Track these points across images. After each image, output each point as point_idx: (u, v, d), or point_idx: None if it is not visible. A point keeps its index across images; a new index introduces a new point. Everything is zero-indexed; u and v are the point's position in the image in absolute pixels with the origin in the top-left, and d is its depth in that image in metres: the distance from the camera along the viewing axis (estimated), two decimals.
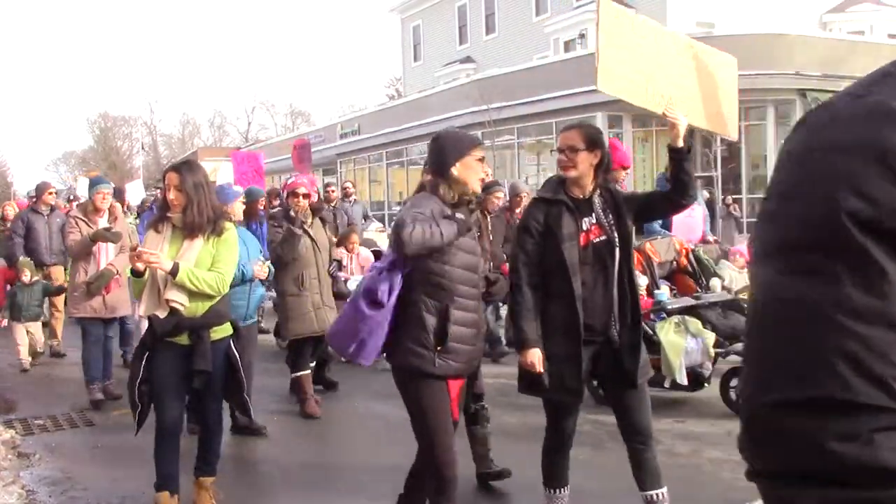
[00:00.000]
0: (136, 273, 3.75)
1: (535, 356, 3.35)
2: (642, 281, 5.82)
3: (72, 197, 15.75)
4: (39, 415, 6.17)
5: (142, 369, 3.81)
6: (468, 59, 32.56)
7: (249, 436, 5.48)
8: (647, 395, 3.56)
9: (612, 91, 3.54)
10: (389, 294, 3.13)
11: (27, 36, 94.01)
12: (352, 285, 7.18)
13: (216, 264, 3.83)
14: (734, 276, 6.38)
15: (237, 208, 5.45)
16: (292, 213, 5.88)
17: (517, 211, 7.62)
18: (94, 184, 6.72)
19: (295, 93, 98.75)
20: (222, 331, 3.95)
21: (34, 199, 9.56)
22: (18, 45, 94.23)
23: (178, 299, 3.73)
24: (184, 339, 3.80)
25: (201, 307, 3.81)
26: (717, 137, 19.24)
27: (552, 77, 21.57)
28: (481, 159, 3.28)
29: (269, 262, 5.57)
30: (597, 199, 3.45)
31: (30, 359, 8.00)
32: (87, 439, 5.56)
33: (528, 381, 3.46)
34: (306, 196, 5.98)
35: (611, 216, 3.43)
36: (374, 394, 6.56)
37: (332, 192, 10.55)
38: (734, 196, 19.68)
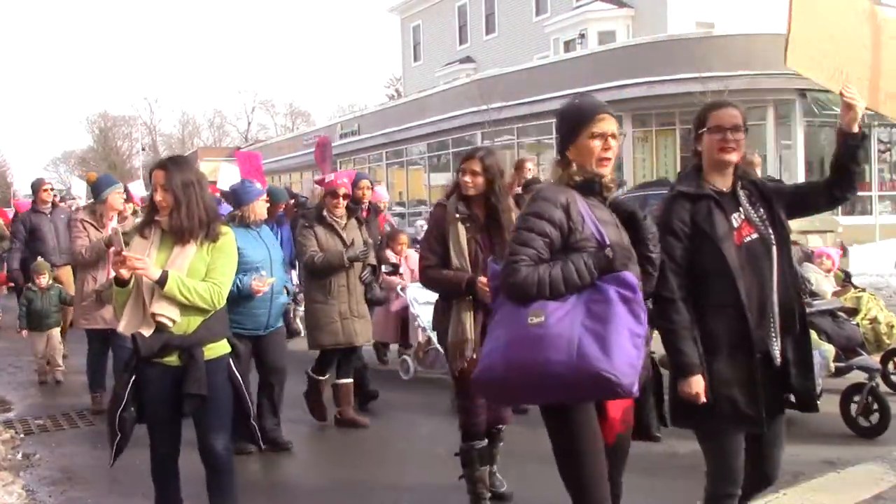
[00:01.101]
0: (119, 282, 3.29)
1: (700, 385, 2.83)
2: None
3: (64, 196, 15.59)
4: (39, 415, 6.17)
5: (127, 394, 3.34)
6: (468, 59, 32.57)
7: (272, 451, 5.11)
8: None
9: (800, 68, 3.14)
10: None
11: (26, 36, 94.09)
12: (415, 293, 6.67)
13: (211, 273, 3.35)
14: (819, 280, 5.82)
15: (259, 207, 5.06)
16: (324, 214, 5.51)
17: None
18: (106, 184, 6.11)
19: (295, 93, 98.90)
20: (219, 348, 3.43)
21: (34, 200, 9.16)
22: (18, 45, 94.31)
23: (167, 313, 3.25)
24: (174, 360, 3.33)
25: (193, 322, 3.32)
26: None
27: (552, 77, 21.57)
28: (595, 135, 2.66)
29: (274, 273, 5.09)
30: (741, 192, 2.99)
31: (61, 366, 7.41)
32: (87, 439, 5.55)
33: (685, 411, 2.91)
34: (346, 196, 5.57)
35: (761, 210, 2.97)
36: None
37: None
38: None
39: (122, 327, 3.34)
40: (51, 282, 7.47)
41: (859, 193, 20.88)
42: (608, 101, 19.40)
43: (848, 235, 18.03)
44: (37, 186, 8.86)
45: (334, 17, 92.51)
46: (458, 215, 3.87)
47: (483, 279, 3.64)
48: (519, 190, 6.96)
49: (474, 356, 3.65)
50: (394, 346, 7.74)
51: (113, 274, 5.75)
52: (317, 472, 4.96)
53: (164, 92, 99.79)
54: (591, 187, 2.70)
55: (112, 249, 3.18)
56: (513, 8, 30.42)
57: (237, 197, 5.14)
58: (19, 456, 5.15)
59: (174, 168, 3.37)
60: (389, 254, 7.03)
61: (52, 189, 9.06)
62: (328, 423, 5.77)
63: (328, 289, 5.45)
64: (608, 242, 2.58)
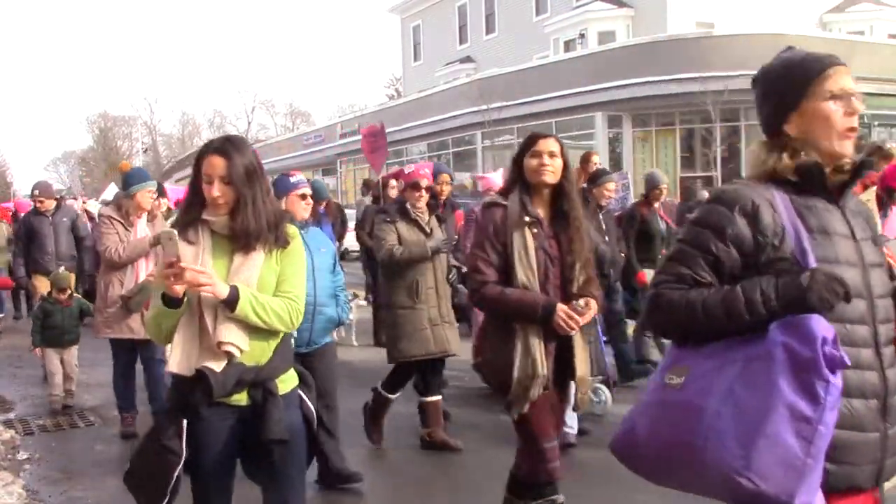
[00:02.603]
0: (169, 300, 2.44)
1: None
2: None
3: (64, 196, 15.53)
4: (40, 415, 6.17)
5: (184, 447, 2.50)
6: (468, 59, 32.59)
7: (340, 488, 4.33)
8: None
9: None
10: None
11: (26, 36, 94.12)
12: None
13: (283, 286, 2.61)
14: None
15: (292, 202, 4.14)
16: (408, 207, 4.94)
17: (655, 205, 6.86)
18: (136, 180, 5.39)
19: (295, 93, 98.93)
20: (290, 380, 2.71)
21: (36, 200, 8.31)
22: (18, 44, 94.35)
23: (237, 341, 2.50)
24: (241, 398, 2.56)
25: (267, 349, 2.59)
26: (716, 137, 19.23)
27: (552, 77, 21.60)
28: (833, 95, 1.81)
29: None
30: None
31: (72, 390, 6.46)
32: (87, 439, 5.55)
33: None
34: (428, 189, 5.02)
35: None
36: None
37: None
38: None
39: (175, 364, 2.51)
40: (75, 294, 6.60)
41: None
42: (608, 101, 19.36)
43: None
44: (31, 194, 8.27)
45: (334, 17, 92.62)
46: (527, 218, 3.08)
47: (565, 307, 3.01)
48: (584, 185, 6.30)
49: (545, 392, 3.04)
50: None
51: (142, 277, 5.11)
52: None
53: (164, 92, 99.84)
54: (808, 180, 1.82)
55: (162, 258, 2.41)
56: (513, 8, 30.42)
57: (274, 189, 4.41)
58: (19, 456, 5.14)
59: (236, 153, 2.54)
60: None
61: (42, 202, 8.04)
62: (380, 446, 5.15)
63: (415, 292, 4.85)
64: (811, 265, 1.72)
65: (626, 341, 6.60)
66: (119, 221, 5.33)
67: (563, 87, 20.96)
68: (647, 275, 6.73)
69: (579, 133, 21.77)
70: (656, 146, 21.21)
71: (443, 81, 30.74)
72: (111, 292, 5.26)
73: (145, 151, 56.44)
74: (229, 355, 2.50)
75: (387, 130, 30.79)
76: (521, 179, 3.15)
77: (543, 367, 3.00)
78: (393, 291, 4.92)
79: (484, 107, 22.03)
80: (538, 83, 21.92)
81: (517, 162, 3.17)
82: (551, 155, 3.08)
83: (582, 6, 26.55)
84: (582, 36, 25.96)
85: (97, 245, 5.53)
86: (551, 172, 3.08)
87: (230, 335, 2.49)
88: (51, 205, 8.07)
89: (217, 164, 2.51)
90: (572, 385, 3.21)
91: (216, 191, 2.51)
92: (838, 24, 25.27)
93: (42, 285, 7.55)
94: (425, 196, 4.97)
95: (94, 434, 5.66)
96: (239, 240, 2.56)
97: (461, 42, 33.84)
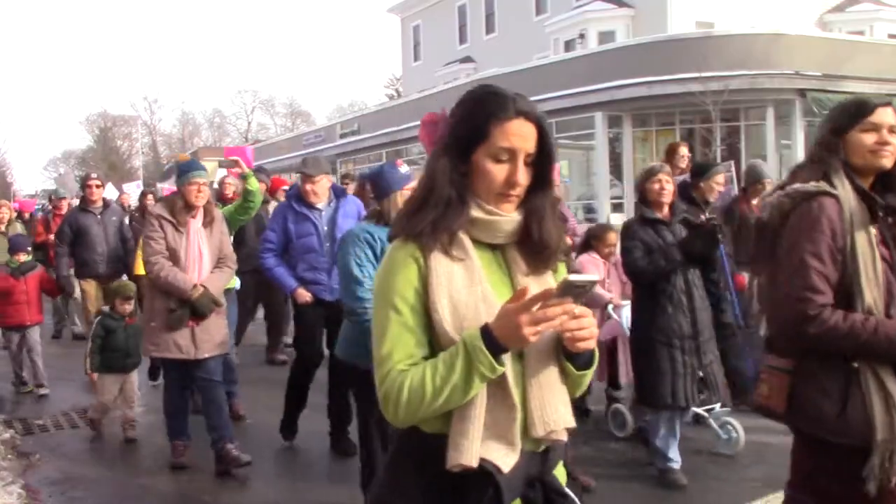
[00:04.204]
0: (497, 350, 1.49)
1: None
2: None
3: (52, 196, 15.52)
4: (39, 415, 6.17)
5: None
6: (468, 59, 32.61)
7: None
8: None
9: None
10: None
11: (26, 36, 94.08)
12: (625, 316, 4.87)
13: None
14: None
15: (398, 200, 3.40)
16: None
17: (754, 202, 5.80)
18: (184, 171, 4.61)
19: (295, 92, 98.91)
20: (560, 471, 1.77)
21: (82, 198, 7.74)
22: (18, 44, 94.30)
23: (567, 421, 1.63)
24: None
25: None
26: (716, 137, 19.23)
27: (552, 77, 21.58)
28: None
29: None
30: None
31: (135, 419, 5.53)
32: (87, 439, 5.55)
33: None
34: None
35: None
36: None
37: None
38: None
39: (474, 456, 1.53)
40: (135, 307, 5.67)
41: None
42: (608, 101, 19.38)
43: None
44: (83, 181, 7.73)
45: (334, 17, 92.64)
46: (881, 212, 2.22)
47: None
48: (687, 177, 5.63)
49: None
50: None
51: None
52: None
53: (164, 92, 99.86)
54: None
55: (547, 306, 1.46)
56: (513, 8, 30.43)
57: (379, 183, 3.55)
58: (19, 456, 5.15)
59: (544, 121, 1.63)
60: (593, 257, 5.41)
61: (100, 185, 7.68)
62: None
63: None
64: None
65: (742, 357, 5.28)
66: (169, 222, 4.53)
67: (563, 87, 20.93)
68: (747, 278, 6.07)
69: (579, 133, 21.76)
70: (656, 146, 21.18)
71: (443, 81, 30.73)
72: (155, 304, 4.53)
73: (146, 152, 56.39)
74: (556, 443, 1.63)
75: (386, 130, 30.61)
76: (841, 158, 2.25)
77: None
78: None
79: None
80: (538, 83, 21.88)
81: (837, 133, 2.28)
82: (891, 130, 2.23)
83: (582, 6, 26.55)
84: (582, 36, 25.95)
85: (143, 252, 4.70)
86: (891, 154, 2.22)
87: (565, 413, 1.60)
88: (100, 195, 7.62)
89: (528, 133, 1.58)
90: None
91: (522, 175, 1.58)
92: (838, 24, 25.28)
93: (93, 291, 7.14)
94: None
95: (95, 434, 5.65)
96: (532, 258, 1.66)
97: (461, 42, 33.85)
